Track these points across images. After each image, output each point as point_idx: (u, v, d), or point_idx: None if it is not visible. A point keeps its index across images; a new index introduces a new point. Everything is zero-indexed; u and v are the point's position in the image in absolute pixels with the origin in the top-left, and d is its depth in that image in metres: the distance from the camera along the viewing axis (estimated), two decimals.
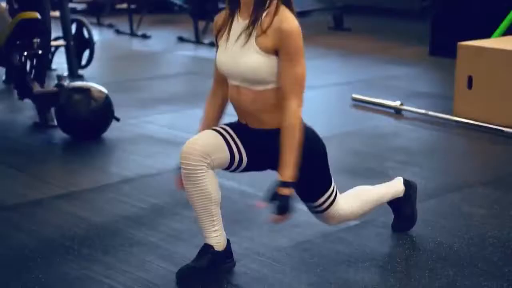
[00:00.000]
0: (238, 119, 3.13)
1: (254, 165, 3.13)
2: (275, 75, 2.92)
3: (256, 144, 3.06)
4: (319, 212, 3.24)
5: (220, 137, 3.02)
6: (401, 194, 3.53)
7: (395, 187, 3.52)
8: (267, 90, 2.95)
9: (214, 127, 3.09)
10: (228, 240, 3.14)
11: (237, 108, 3.09)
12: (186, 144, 2.98)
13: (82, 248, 3.39)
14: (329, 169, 3.17)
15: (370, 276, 3.16)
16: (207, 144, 2.96)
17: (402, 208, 3.55)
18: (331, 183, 3.19)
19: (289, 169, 2.89)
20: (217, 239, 3.08)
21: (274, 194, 2.91)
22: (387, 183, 3.54)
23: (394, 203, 3.55)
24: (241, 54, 2.93)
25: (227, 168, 3.09)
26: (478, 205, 3.96)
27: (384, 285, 3.08)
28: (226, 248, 3.12)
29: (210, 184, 2.98)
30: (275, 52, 2.90)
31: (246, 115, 3.05)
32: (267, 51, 2.90)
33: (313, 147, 3.07)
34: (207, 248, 3.07)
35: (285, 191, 2.90)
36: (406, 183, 3.56)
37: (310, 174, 3.07)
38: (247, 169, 3.13)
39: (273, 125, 2.99)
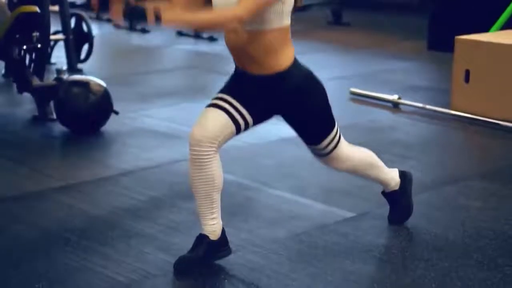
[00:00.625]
0: (236, 68, 3.13)
1: (260, 118, 3.15)
2: (272, 14, 2.92)
3: (259, 94, 3.07)
4: (323, 155, 3.28)
5: (224, 114, 3.03)
6: (396, 187, 3.56)
7: (391, 174, 3.55)
8: (264, 31, 2.95)
9: (215, 102, 3.07)
10: (223, 229, 3.17)
11: (235, 53, 3.07)
12: (194, 130, 3.03)
13: (81, 240, 3.42)
14: (331, 109, 3.20)
15: (367, 267, 3.19)
16: (214, 127, 3.00)
17: (397, 200, 3.58)
18: (335, 125, 3.23)
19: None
20: (213, 227, 3.12)
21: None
22: (386, 167, 3.55)
23: (390, 195, 3.58)
24: None
25: (236, 135, 3.14)
26: (474, 198, 4.00)
27: (380, 276, 3.11)
28: (222, 237, 3.16)
29: (215, 169, 3.04)
30: None
31: (245, 59, 3.04)
32: None
33: (314, 87, 3.11)
34: (202, 238, 3.12)
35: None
36: (402, 175, 3.59)
37: (315, 115, 3.13)
38: (254, 125, 3.17)
39: (273, 69, 3.01)
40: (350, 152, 3.35)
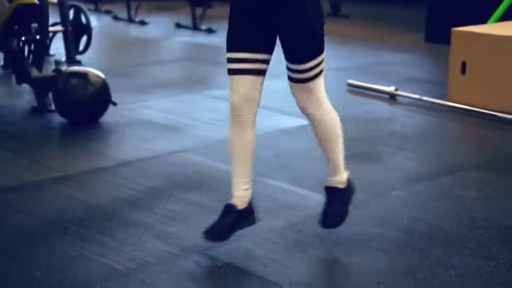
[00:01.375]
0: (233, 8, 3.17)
1: (271, 45, 3.19)
2: None
3: (259, 23, 3.12)
4: (303, 80, 3.21)
5: (247, 76, 3.14)
6: (342, 185, 3.41)
7: (344, 166, 3.42)
8: None
9: (234, 68, 3.15)
10: (252, 196, 3.28)
11: None
12: (233, 98, 3.16)
13: (79, 229, 3.46)
14: (324, 35, 3.20)
15: (361, 255, 3.23)
16: (249, 93, 3.15)
17: (335, 201, 3.40)
18: (323, 51, 3.22)
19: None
20: (246, 192, 3.25)
21: None
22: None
23: (331, 191, 3.43)
24: None
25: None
26: (470, 188, 4.03)
27: (375, 264, 3.14)
28: (250, 205, 3.26)
29: (254, 134, 3.21)
30: None
31: None
32: None
33: (316, 6, 3.14)
34: (230, 207, 3.23)
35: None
36: (349, 181, 3.46)
37: (309, 31, 3.12)
38: (271, 54, 3.21)
39: None
40: (327, 101, 3.31)
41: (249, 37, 3.14)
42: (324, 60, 3.23)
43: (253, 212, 3.29)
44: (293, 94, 3.28)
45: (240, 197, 3.23)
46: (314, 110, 3.28)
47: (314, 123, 3.33)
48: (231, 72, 3.18)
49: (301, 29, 3.11)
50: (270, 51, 3.19)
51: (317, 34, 3.17)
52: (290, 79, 3.25)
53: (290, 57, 3.20)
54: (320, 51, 3.20)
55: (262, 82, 3.21)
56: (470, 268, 3.10)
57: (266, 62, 3.18)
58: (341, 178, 3.41)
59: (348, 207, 3.41)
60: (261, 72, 3.18)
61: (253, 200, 3.27)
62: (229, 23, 3.20)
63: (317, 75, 3.22)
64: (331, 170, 3.43)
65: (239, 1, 3.18)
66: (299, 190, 3.96)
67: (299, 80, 3.23)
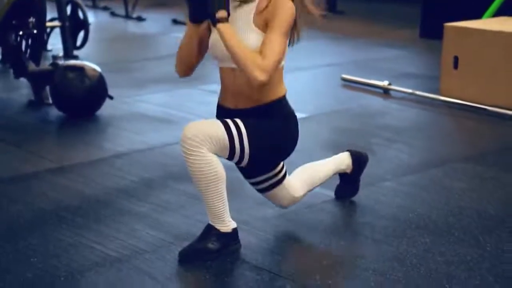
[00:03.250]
0: (224, 103, 3.19)
1: None
2: None
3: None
4: (261, 190, 3.38)
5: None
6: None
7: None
8: None
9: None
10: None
11: (229, 91, 3.14)
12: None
13: (75, 218, 3.53)
14: (280, 158, 3.27)
15: (350, 243, 3.30)
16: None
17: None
18: (276, 167, 3.30)
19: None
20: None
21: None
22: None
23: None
24: (239, 35, 3.00)
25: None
26: (459, 180, 4.10)
27: (363, 251, 3.22)
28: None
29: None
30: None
31: (239, 97, 3.11)
32: (264, 29, 3.01)
33: (288, 127, 3.16)
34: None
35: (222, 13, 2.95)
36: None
37: (261, 148, 3.10)
38: None
39: (266, 100, 3.10)
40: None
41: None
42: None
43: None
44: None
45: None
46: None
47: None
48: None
49: (262, 125, 3.09)
50: None
51: (269, 154, 3.16)
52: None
53: (241, 170, 3.33)
54: (269, 168, 3.28)
55: None
56: (457, 255, 3.17)
57: None
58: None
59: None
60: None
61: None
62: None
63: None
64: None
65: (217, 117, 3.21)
66: None
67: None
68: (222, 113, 3.20)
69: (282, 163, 3.35)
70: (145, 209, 3.64)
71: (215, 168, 3.00)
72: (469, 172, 4.23)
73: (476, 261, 3.11)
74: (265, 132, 3.09)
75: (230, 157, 3.09)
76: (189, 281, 2.99)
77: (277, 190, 3.37)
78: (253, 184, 3.38)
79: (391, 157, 4.47)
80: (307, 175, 3.51)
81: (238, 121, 3.06)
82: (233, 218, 3.39)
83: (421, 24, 8.44)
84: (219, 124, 3.04)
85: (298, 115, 3.47)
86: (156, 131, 4.92)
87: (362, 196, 3.79)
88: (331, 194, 3.81)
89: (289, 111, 3.19)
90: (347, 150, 3.74)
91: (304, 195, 3.50)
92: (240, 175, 4.03)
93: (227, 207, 3.11)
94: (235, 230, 3.14)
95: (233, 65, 3.05)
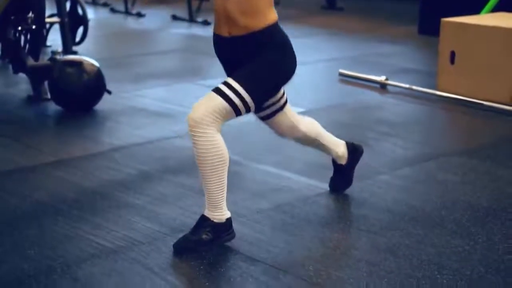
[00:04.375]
0: (218, 30, 3.23)
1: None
2: None
3: (231, 58, 3.23)
4: (263, 118, 3.41)
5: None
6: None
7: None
8: None
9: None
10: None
11: (221, 18, 3.18)
12: None
13: (72, 210, 3.56)
14: (282, 82, 3.24)
15: (344, 235, 3.33)
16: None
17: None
18: (276, 93, 3.31)
19: None
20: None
21: None
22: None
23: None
24: None
25: None
26: (453, 173, 4.13)
27: (356, 243, 3.25)
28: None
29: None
30: None
31: (230, 23, 3.14)
32: None
33: (278, 51, 3.17)
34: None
35: None
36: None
37: (262, 69, 3.13)
38: None
39: (249, 29, 3.11)
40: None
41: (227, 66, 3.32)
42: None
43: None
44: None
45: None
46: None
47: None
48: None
49: (254, 66, 3.13)
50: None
51: (271, 76, 3.17)
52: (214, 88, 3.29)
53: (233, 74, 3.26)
54: (270, 93, 3.27)
55: None
56: (449, 246, 3.21)
57: None
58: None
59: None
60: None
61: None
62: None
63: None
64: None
65: (216, 50, 3.32)
66: (286, 174, 4.06)
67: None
68: (219, 42, 3.25)
69: (283, 89, 3.36)
70: (141, 201, 3.67)
71: (221, 151, 3.09)
72: (463, 165, 4.26)
73: (467, 252, 3.15)
74: (262, 73, 3.14)
75: (239, 114, 3.16)
76: (184, 272, 3.02)
77: (280, 117, 3.41)
78: (256, 111, 3.37)
79: (387, 150, 4.51)
80: (312, 123, 3.57)
81: (230, 80, 3.11)
82: (229, 210, 3.43)
83: (419, 20, 8.47)
84: (215, 96, 3.10)
85: (296, 109, 3.51)
86: (154, 125, 4.96)
87: (357, 189, 3.82)
88: (326, 187, 3.84)
89: (283, 38, 3.20)
90: (344, 142, 3.77)
91: (304, 135, 3.52)
92: (236, 168, 4.08)
93: (225, 195, 3.17)
94: (229, 220, 3.19)
95: None
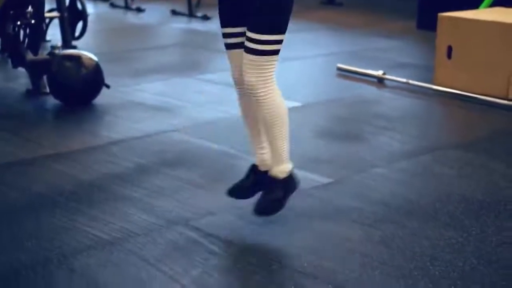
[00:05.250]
0: None
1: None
2: None
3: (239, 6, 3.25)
4: (254, 51, 3.17)
5: (239, 50, 3.25)
6: (284, 174, 3.31)
7: (287, 156, 3.32)
8: None
9: (226, 43, 3.31)
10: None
11: None
12: (233, 73, 3.34)
13: (69, 202, 3.59)
14: (287, 20, 3.21)
15: (338, 227, 3.36)
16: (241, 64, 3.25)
17: (274, 188, 3.32)
18: (282, 33, 3.21)
19: None
20: (262, 156, 3.37)
21: None
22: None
23: (270, 180, 3.34)
24: None
25: None
26: (449, 166, 4.16)
27: (350, 234, 3.28)
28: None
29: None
30: None
31: None
32: None
33: None
34: (252, 168, 3.42)
35: None
36: (292, 175, 3.36)
37: (274, 5, 3.15)
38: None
39: None
40: (276, 88, 3.24)
41: (231, 13, 3.29)
42: (282, 44, 3.22)
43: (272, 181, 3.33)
44: (243, 67, 3.22)
45: (260, 160, 3.40)
46: (259, 87, 3.19)
47: (258, 102, 3.21)
48: (226, 46, 3.35)
49: (267, 2, 3.14)
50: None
51: (280, 12, 3.19)
52: (245, 48, 3.21)
53: (250, 24, 3.18)
54: (279, 29, 3.20)
55: None
56: (442, 238, 3.24)
57: None
58: (283, 168, 3.30)
59: (283, 199, 3.31)
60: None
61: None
62: (218, 2, 3.34)
63: (270, 52, 3.19)
64: (273, 157, 3.32)
65: None
66: None
67: (252, 50, 3.18)
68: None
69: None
70: (138, 194, 3.70)
71: (284, 103, 3.25)
72: (459, 159, 4.29)
73: (460, 244, 3.18)
74: (271, 10, 3.17)
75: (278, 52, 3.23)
76: (179, 263, 3.05)
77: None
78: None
79: (383, 144, 4.53)
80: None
81: (251, 34, 3.15)
82: (224, 202, 3.48)
83: (418, 15, 8.49)
84: (252, 57, 3.18)
85: (294, 103, 3.53)
86: (152, 119, 4.98)
87: (353, 182, 3.85)
88: (322, 180, 3.88)
89: None
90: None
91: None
92: (233, 161, 4.12)
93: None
94: (292, 170, 3.36)
95: None
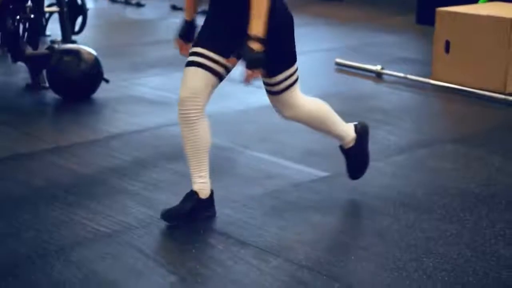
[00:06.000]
0: (210, 9, 3.28)
1: (235, 55, 3.24)
2: None
3: (229, 32, 3.19)
4: (275, 93, 3.31)
5: (200, 69, 3.20)
6: (352, 143, 3.61)
7: (346, 129, 3.60)
8: None
9: (191, 60, 3.25)
10: (211, 191, 3.36)
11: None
12: (180, 92, 3.25)
13: (68, 195, 3.63)
14: (295, 46, 3.28)
15: (335, 219, 3.40)
16: (195, 85, 3.20)
17: (353, 155, 3.63)
18: (295, 63, 3.30)
19: (257, 23, 3.04)
20: (201, 185, 3.31)
21: (245, 49, 3.06)
22: (340, 126, 3.59)
23: (346, 151, 3.64)
24: None
25: (220, 82, 3.28)
26: (446, 160, 4.19)
27: (346, 227, 3.33)
28: (210, 197, 3.35)
29: (202, 129, 3.24)
30: None
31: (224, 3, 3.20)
32: None
33: (284, 16, 3.21)
34: (191, 194, 3.32)
35: (255, 45, 3.05)
36: (358, 129, 3.65)
37: (276, 44, 3.18)
38: (234, 66, 3.27)
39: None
40: (304, 100, 3.41)
41: (219, 40, 3.20)
42: (297, 70, 3.33)
43: (212, 205, 3.37)
44: (274, 107, 3.44)
45: (198, 189, 3.31)
46: (294, 115, 3.44)
47: (301, 122, 3.51)
48: (188, 63, 3.24)
49: (268, 44, 3.11)
50: (235, 52, 3.21)
51: (285, 47, 3.24)
52: (268, 92, 3.37)
53: (264, 71, 3.26)
54: (289, 63, 3.28)
55: (216, 86, 3.24)
56: (437, 231, 3.27)
57: (227, 69, 3.23)
58: (346, 140, 3.60)
59: (366, 154, 3.66)
60: (218, 75, 3.21)
61: (213, 194, 3.36)
62: (204, 21, 3.29)
63: (289, 87, 3.32)
64: (337, 138, 3.62)
65: (215, 4, 3.27)
66: (280, 161, 4.12)
67: (272, 92, 3.35)
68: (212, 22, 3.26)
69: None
70: (136, 187, 3.73)
71: (312, 101, 3.47)
72: (455, 153, 4.32)
73: (455, 236, 3.21)
74: (281, 48, 3.23)
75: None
76: (176, 255, 3.09)
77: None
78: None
79: (380, 138, 4.56)
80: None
81: (273, 79, 3.27)
82: (221, 196, 3.50)
83: (417, 10, 8.51)
84: (282, 94, 3.35)
85: None
86: (151, 113, 5.01)
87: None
88: (319, 173, 3.91)
89: (280, 3, 3.21)
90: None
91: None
92: (230, 155, 4.15)
93: None
94: (353, 127, 3.61)
95: None
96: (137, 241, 3.16)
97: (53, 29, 7.37)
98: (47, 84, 5.45)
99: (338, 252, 3.07)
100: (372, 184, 3.80)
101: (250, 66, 3.07)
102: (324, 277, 2.87)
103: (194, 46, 3.27)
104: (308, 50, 7.05)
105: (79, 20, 7.31)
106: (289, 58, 3.29)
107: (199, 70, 3.21)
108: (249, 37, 3.05)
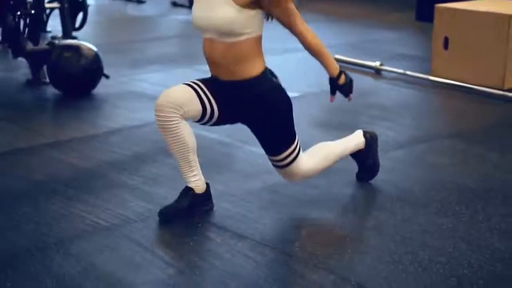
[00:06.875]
0: (211, 73, 3.34)
1: (226, 118, 3.34)
2: (249, 27, 3.13)
3: (227, 98, 3.27)
4: (281, 167, 3.41)
5: (192, 91, 3.25)
6: (362, 146, 3.70)
7: (355, 140, 3.68)
8: (239, 41, 3.15)
9: (186, 82, 3.31)
10: (207, 184, 3.39)
11: (209, 61, 3.30)
12: (159, 96, 3.24)
13: (68, 189, 3.66)
14: (293, 124, 3.36)
15: (331, 214, 3.42)
16: (179, 96, 3.21)
17: (364, 159, 3.73)
18: (295, 139, 3.37)
19: (333, 66, 3.47)
20: (196, 182, 3.34)
21: (338, 85, 3.47)
22: (347, 137, 3.69)
23: (357, 155, 3.73)
24: (213, 6, 3.13)
25: (199, 121, 3.31)
26: (443, 155, 4.22)
27: (343, 221, 3.34)
28: (206, 191, 3.38)
29: (184, 133, 3.24)
30: (256, 3, 3.10)
31: (217, 67, 3.26)
32: (241, 3, 3.09)
33: (279, 100, 3.29)
34: (187, 190, 3.34)
35: (341, 79, 3.47)
36: (366, 135, 3.73)
37: (275, 127, 3.29)
38: (218, 122, 3.35)
39: (243, 76, 3.22)
40: (308, 162, 3.45)
41: (217, 94, 3.26)
42: (298, 143, 3.38)
43: (210, 198, 3.41)
44: (282, 176, 3.50)
45: (194, 186, 3.34)
46: (303, 178, 3.51)
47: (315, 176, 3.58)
48: (187, 84, 3.27)
49: (268, 127, 3.26)
50: (223, 116, 3.30)
51: (284, 129, 3.31)
52: (274, 166, 3.43)
53: (264, 149, 3.38)
54: (290, 142, 3.34)
55: (197, 114, 3.25)
56: (433, 225, 3.29)
57: (212, 113, 3.26)
58: (357, 148, 3.68)
59: (375, 157, 3.74)
60: (204, 108, 3.24)
61: (209, 187, 3.40)
62: (207, 78, 3.35)
63: (293, 160, 3.38)
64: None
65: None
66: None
67: (278, 166, 3.42)
68: (214, 80, 3.31)
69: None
70: (135, 181, 3.76)
71: (317, 155, 3.52)
72: (453, 148, 4.34)
73: (450, 230, 3.24)
74: (279, 125, 3.33)
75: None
76: (174, 248, 3.12)
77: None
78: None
79: (379, 134, 4.54)
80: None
81: (276, 157, 3.38)
82: (220, 190, 3.53)
83: (417, 7, 8.52)
84: (286, 169, 3.43)
85: (292, 94, 3.58)
86: (150, 109, 4.96)
87: (348, 170, 3.90)
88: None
89: (273, 80, 3.28)
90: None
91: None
92: (228, 150, 4.18)
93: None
94: (363, 135, 3.71)
95: (212, 36, 3.17)
96: (135, 234, 3.19)
97: (54, 25, 7.42)
98: (47, 80, 5.48)
99: (334, 245, 3.10)
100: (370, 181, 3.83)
101: (348, 92, 3.52)
102: (320, 269, 2.89)
103: (196, 79, 3.33)
104: None
105: (80, 16, 7.36)
106: (290, 136, 3.36)
107: (190, 89, 3.25)
108: (334, 78, 3.48)
